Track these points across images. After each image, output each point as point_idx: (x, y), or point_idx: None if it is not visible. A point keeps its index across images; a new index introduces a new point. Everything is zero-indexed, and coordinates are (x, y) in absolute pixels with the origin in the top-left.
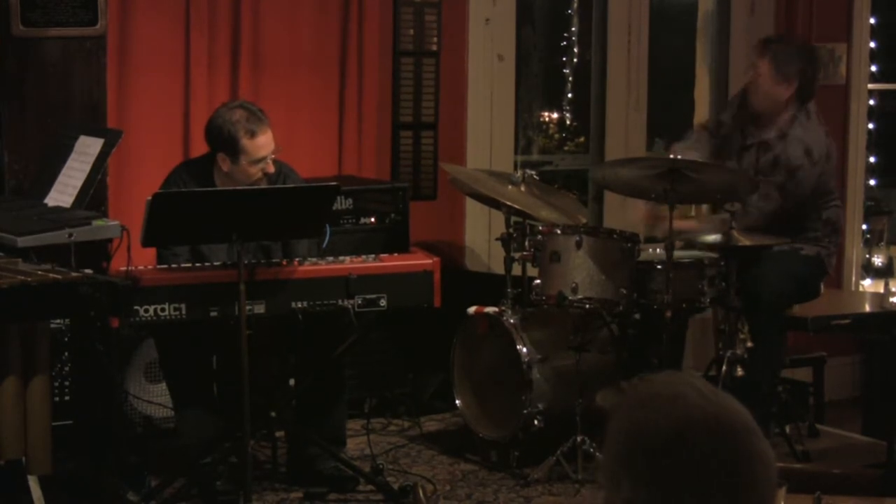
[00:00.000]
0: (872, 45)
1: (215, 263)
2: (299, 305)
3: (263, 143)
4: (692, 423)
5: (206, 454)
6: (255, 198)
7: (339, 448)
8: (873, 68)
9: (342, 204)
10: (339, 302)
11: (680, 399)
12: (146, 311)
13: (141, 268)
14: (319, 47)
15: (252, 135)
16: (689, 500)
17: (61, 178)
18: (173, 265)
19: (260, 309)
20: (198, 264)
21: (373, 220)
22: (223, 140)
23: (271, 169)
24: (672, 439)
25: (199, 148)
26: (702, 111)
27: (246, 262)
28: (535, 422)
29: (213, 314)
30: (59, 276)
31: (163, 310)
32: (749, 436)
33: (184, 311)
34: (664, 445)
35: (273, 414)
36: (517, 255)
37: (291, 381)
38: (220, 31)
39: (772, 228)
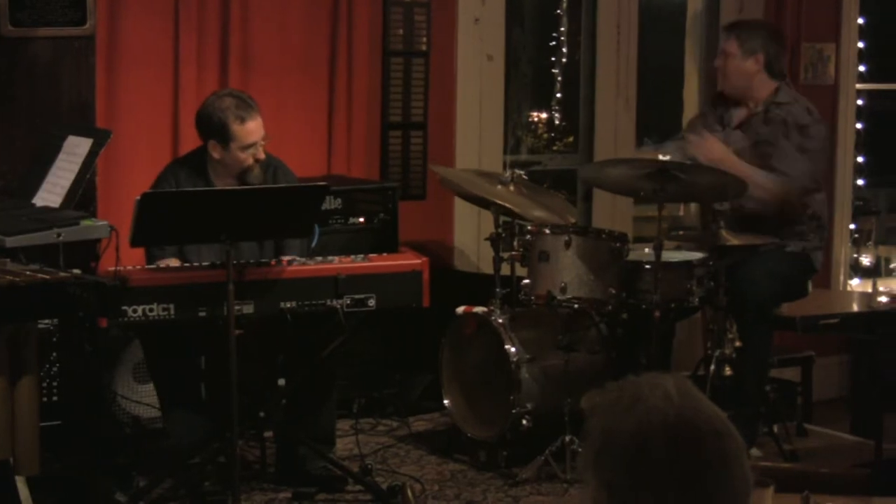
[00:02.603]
0: (861, 45)
1: (203, 263)
2: (288, 305)
3: (253, 129)
4: (652, 427)
5: (194, 454)
6: (244, 197)
7: (329, 448)
8: (862, 68)
9: (331, 204)
10: (328, 302)
11: (640, 403)
12: (135, 311)
13: (129, 268)
14: (309, 47)
15: (242, 120)
16: (648, 502)
17: (50, 179)
18: (160, 264)
19: (249, 309)
20: (186, 264)
21: (362, 219)
22: (214, 127)
23: (262, 155)
24: (632, 443)
25: (189, 148)
26: (691, 111)
27: (235, 262)
28: (524, 421)
29: (202, 314)
30: (48, 277)
31: (151, 310)
32: (717, 439)
33: (172, 312)
34: (624, 449)
35: (262, 414)
36: (506, 255)
37: (280, 382)
38: (210, 30)
39: (763, 224)
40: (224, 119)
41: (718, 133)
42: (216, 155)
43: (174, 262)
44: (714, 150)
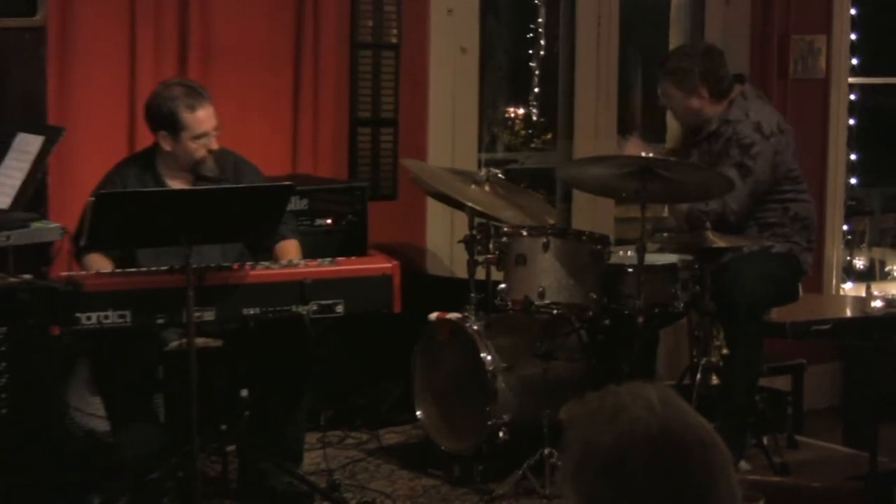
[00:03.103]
0: (853, 36)
1: (162, 268)
2: (251, 312)
3: (204, 118)
4: (634, 438)
5: (152, 470)
6: (206, 198)
7: (295, 464)
8: (854, 61)
9: (297, 204)
10: (293, 308)
11: (622, 413)
12: (89, 318)
13: (84, 273)
14: (273, 39)
15: (192, 109)
16: None
17: None
18: (88, 263)
19: (209, 316)
20: (143, 269)
21: (329, 221)
22: (163, 117)
23: (214, 146)
24: (613, 455)
25: (146, 144)
26: None
27: (195, 265)
28: (501, 434)
29: (160, 321)
30: None
31: (106, 317)
32: (702, 451)
33: (129, 319)
34: (606, 462)
35: (223, 427)
36: (481, 258)
37: (243, 392)
38: (168, 22)
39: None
40: (173, 108)
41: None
42: (167, 147)
43: (104, 264)
44: (632, 153)
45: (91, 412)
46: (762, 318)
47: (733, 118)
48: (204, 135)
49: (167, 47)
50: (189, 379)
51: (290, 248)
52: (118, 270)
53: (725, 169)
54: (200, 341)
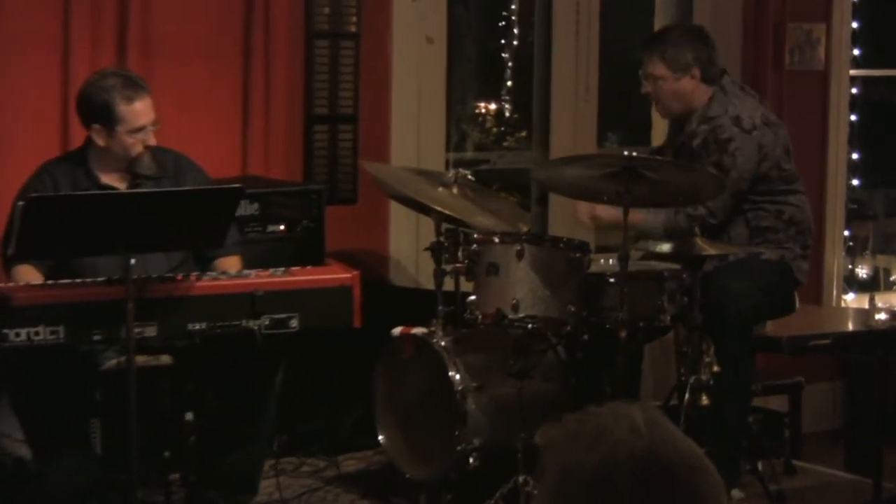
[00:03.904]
0: (855, 25)
1: (99, 279)
2: (197, 327)
3: (142, 110)
4: (617, 463)
5: (86, 501)
6: (147, 201)
7: (248, 495)
8: (856, 52)
9: (247, 209)
10: (243, 323)
11: (603, 436)
12: (17, 335)
13: (11, 284)
14: (220, 29)
15: (129, 100)
16: None
17: None
18: (17, 275)
19: (151, 331)
20: (78, 280)
21: (282, 227)
22: (97, 109)
23: (152, 141)
24: (594, 483)
25: (81, 141)
26: None
27: (135, 276)
28: (471, 460)
29: (97, 338)
30: None
31: (37, 333)
32: (692, 476)
33: (62, 335)
34: (586, 489)
35: (166, 454)
36: (449, 268)
37: (188, 416)
38: (105, 10)
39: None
40: (109, 99)
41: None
42: (100, 142)
43: (34, 275)
44: (583, 213)
45: (20, 439)
46: (752, 331)
47: (712, 114)
48: (141, 129)
49: (104, 38)
50: (128, 401)
51: (230, 265)
52: (50, 282)
53: (701, 167)
54: (141, 359)
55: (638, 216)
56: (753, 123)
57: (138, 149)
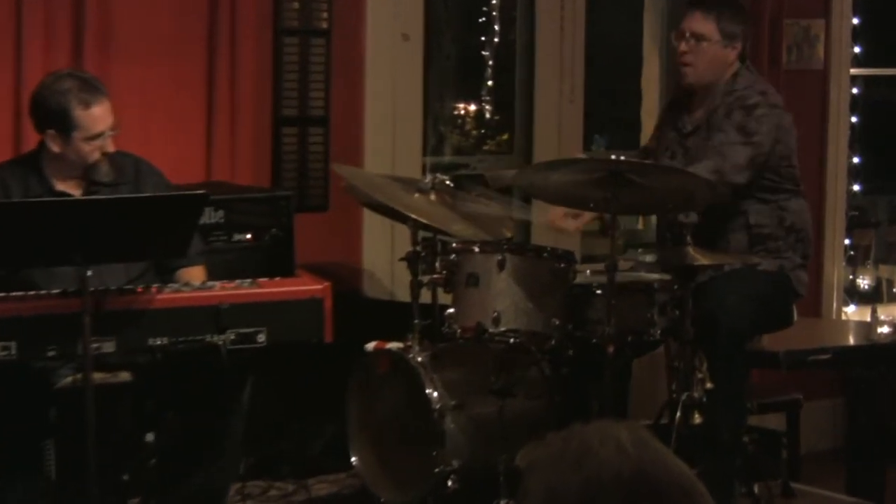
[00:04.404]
0: (855, 21)
1: (53, 291)
2: (158, 342)
3: (100, 116)
4: (603, 486)
5: None
6: (105, 209)
7: None
8: (856, 49)
9: (211, 217)
10: (208, 338)
11: (589, 456)
12: None
13: None
14: (182, 25)
15: (86, 105)
16: None
17: None
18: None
19: (109, 347)
20: (31, 292)
21: (249, 236)
22: (52, 114)
23: (110, 148)
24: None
25: (32, 145)
26: (650, 102)
27: (92, 288)
28: (449, 483)
29: (51, 354)
30: None
31: None
32: (681, 498)
33: (14, 351)
34: None
35: (125, 477)
36: (426, 279)
37: (149, 437)
38: (60, 5)
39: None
40: (65, 104)
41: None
42: (55, 148)
43: None
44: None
45: None
46: (746, 346)
47: (738, 87)
48: (99, 135)
49: (59, 33)
50: (85, 421)
51: (194, 276)
52: (1, 294)
53: (724, 133)
54: (98, 377)
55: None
56: (776, 102)
57: (95, 156)
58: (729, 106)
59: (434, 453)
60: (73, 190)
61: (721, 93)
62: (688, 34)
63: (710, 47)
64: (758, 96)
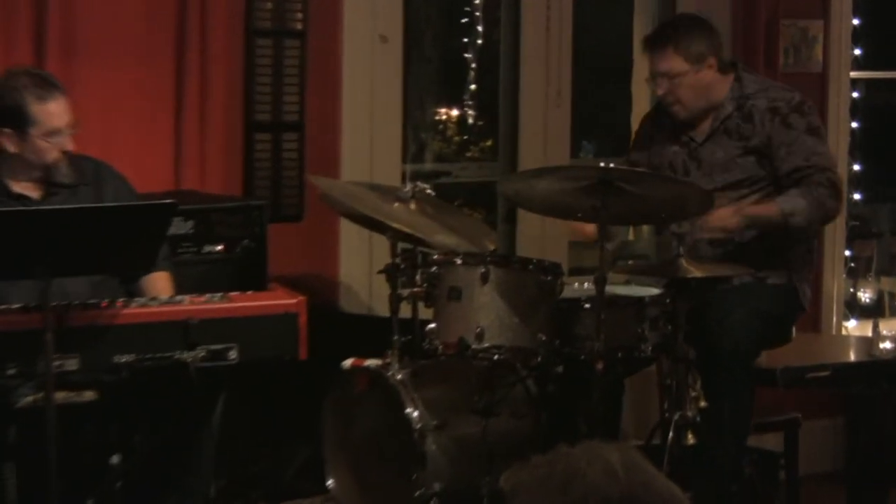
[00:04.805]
0: (855, 22)
1: (13, 306)
2: (124, 359)
3: (57, 111)
4: None
5: None
6: (66, 219)
7: None
8: (857, 52)
9: (180, 227)
10: (176, 354)
11: (576, 480)
12: None
13: None
14: (150, 25)
15: (42, 100)
16: None
17: None
18: None
19: (73, 364)
20: None
21: (220, 247)
22: (6, 111)
23: (70, 145)
24: None
25: None
26: (641, 107)
27: (54, 303)
28: None
29: (11, 372)
30: None
31: None
32: None
33: None
34: None
35: (90, 501)
36: (406, 292)
37: (115, 458)
38: (20, 5)
39: (744, 251)
40: (20, 100)
41: (679, 150)
42: (12, 148)
43: None
44: (724, 219)
45: None
46: (752, 366)
47: (753, 90)
48: (57, 132)
49: (18, 36)
50: (47, 442)
51: (159, 283)
52: None
53: (800, 141)
54: (61, 396)
55: (758, 209)
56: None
57: (54, 155)
58: (773, 110)
59: (414, 476)
60: (32, 192)
61: (731, 100)
62: (659, 76)
63: (685, 79)
64: (790, 92)
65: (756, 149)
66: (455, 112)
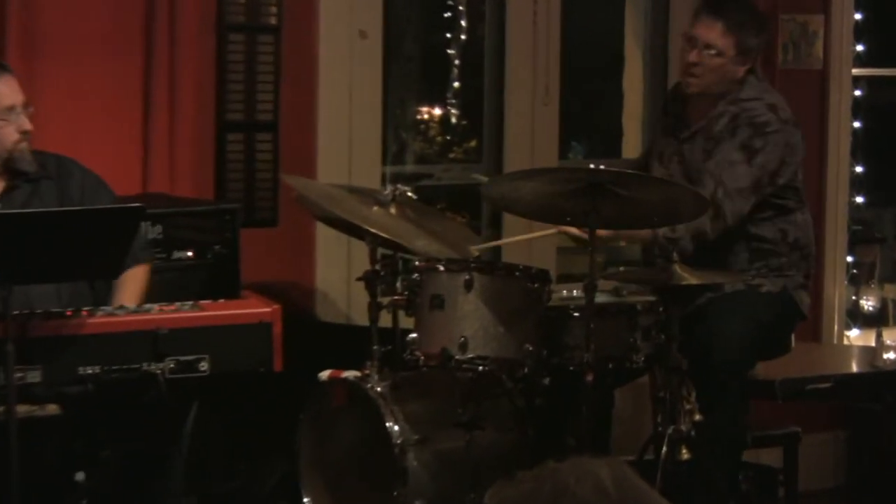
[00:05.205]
0: (857, 17)
1: None
2: (89, 371)
3: (6, 91)
4: None
5: None
6: (27, 223)
7: None
8: (859, 48)
9: (148, 232)
10: (144, 366)
11: (564, 497)
12: None
13: None
14: (117, 19)
15: None
16: None
17: None
18: None
19: (35, 377)
20: None
21: (190, 253)
22: None
23: (28, 125)
24: None
25: None
26: (633, 106)
27: (16, 311)
28: None
29: None
30: None
31: None
32: None
33: None
34: None
35: None
36: (386, 301)
37: (79, 475)
38: None
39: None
40: None
41: (670, 142)
42: None
43: None
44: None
45: None
46: (745, 377)
47: (744, 97)
48: (10, 109)
49: None
50: (9, 458)
51: (137, 278)
52: None
53: (726, 151)
54: (24, 409)
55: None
56: (788, 117)
57: (13, 137)
58: (734, 117)
59: (395, 493)
60: None
61: (725, 101)
62: (700, 43)
63: (723, 62)
64: (768, 113)
65: (711, 151)
66: (437, 111)
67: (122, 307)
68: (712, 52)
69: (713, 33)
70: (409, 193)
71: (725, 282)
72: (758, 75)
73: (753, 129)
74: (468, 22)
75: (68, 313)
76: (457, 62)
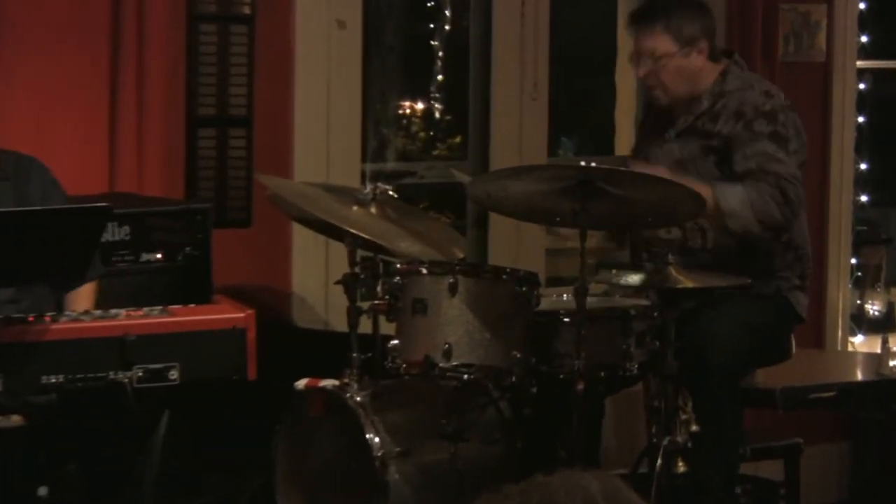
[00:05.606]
0: (862, 6)
1: None
2: (53, 380)
3: None
4: None
5: None
6: None
7: None
8: (863, 39)
9: (115, 234)
10: (111, 374)
11: None
12: None
13: None
14: (82, 8)
15: None
16: None
17: None
18: None
19: None
20: None
21: (159, 255)
22: None
23: None
24: None
25: None
26: (626, 101)
27: None
28: None
29: None
30: None
31: None
32: None
33: None
34: None
35: None
36: (366, 305)
37: (42, 490)
38: None
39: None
40: None
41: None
42: None
43: None
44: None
45: None
46: (740, 382)
47: (731, 88)
48: None
49: None
50: None
51: (80, 297)
52: None
53: (758, 147)
54: None
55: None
56: (787, 102)
57: None
58: (737, 113)
59: None
60: None
61: (708, 96)
62: (644, 55)
63: (671, 61)
64: (767, 100)
65: (717, 149)
66: (420, 105)
67: (87, 312)
68: (658, 57)
69: (649, 40)
70: (391, 192)
71: (720, 284)
72: (740, 64)
73: (767, 119)
74: (452, 11)
75: (30, 319)
76: (440, 54)
